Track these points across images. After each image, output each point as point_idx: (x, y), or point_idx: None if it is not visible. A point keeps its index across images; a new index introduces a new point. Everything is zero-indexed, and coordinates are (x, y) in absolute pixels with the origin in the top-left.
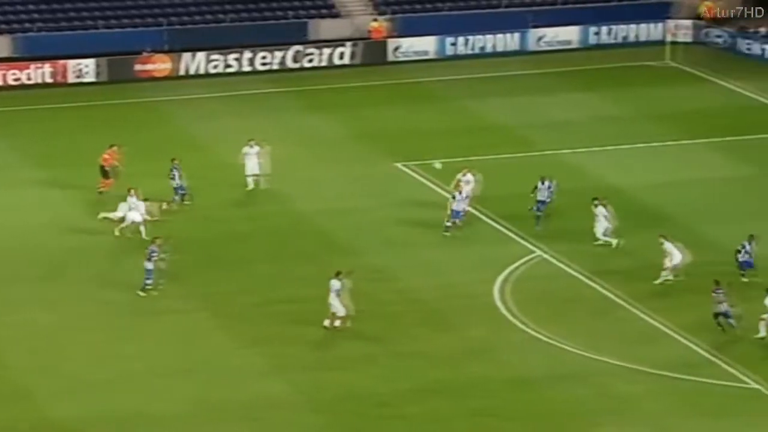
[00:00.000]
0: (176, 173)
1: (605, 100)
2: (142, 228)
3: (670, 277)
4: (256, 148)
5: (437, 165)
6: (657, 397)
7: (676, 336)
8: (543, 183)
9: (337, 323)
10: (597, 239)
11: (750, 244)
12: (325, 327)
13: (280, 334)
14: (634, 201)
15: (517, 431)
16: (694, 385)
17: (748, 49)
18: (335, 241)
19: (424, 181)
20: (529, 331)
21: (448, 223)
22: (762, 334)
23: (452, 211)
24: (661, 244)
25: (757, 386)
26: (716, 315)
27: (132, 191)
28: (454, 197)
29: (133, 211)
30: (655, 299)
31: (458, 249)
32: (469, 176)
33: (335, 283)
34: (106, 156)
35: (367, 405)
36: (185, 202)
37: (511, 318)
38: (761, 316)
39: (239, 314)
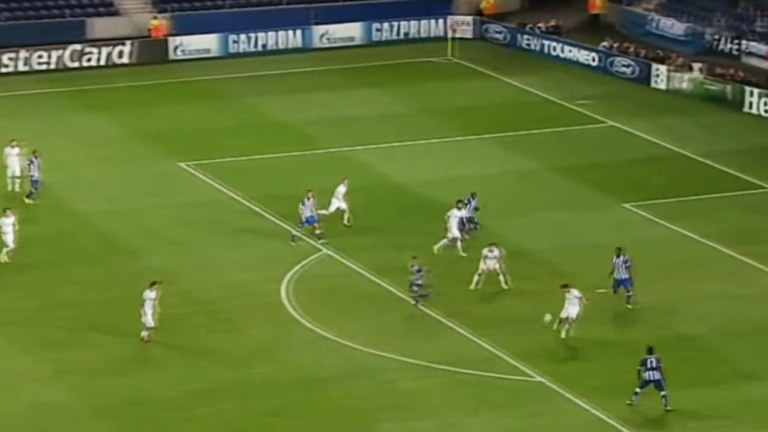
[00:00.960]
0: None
1: (389, 96)
2: None
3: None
4: (17, 149)
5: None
6: (442, 392)
7: (461, 331)
8: (472, 200)
9: (145, 334)
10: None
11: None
12: (142, 339)
13: (63, 339)
14: (417, 197)
15: (304, 430)
16: (479, 380)
17: (528, 44)
18: (118, 243)
19: (208, 180)
20: (316, 329)
21: (297, 231)
22: (563, 335)
23: (305, 218)
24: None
25: (540, 379)
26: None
27: None
28: (303, 203)
29: None
30: (445, 295)
31: (243, 248)
32: (341, 188)
33: (149, 294)
34: None
35: (153, 409)
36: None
37: (297, 317)
38: (563, 315)
39: (20, 319)
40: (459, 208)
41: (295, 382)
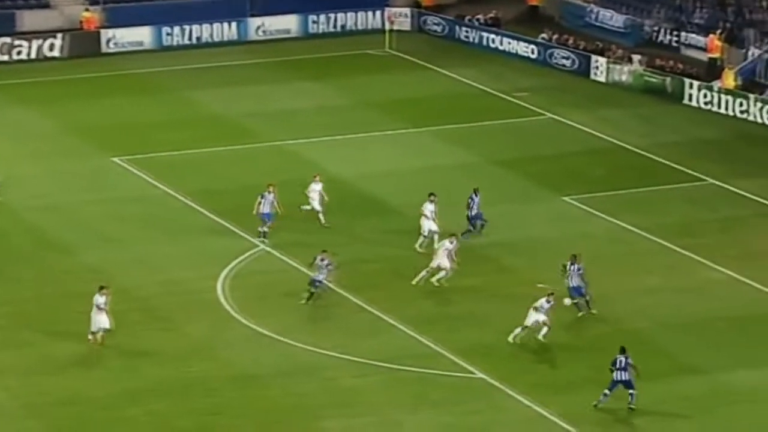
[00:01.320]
0: None
1: (327, 89)
2: None
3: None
4: None
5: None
6: (382, 389)
7: (402, 327)
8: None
9: (94, 337)
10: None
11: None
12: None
13: None
14: (355, 191)
15: (241, 429)
16: (419, 377)
17: (467, 36)
18: (50, 240)
19: (143, 175)
20: (253, 326)
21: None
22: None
23: (261, 214)
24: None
25: (481, 375)
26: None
27: None
28: (262, 196)
29: None
30: (377, 291)
31: (178, 245)
32: (315, 185)
33: (98, 299)
34: None
35: (88, 408)
36: None
37: (234, 314)
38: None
39: None
40: (432, 201)
41: (233, 380)
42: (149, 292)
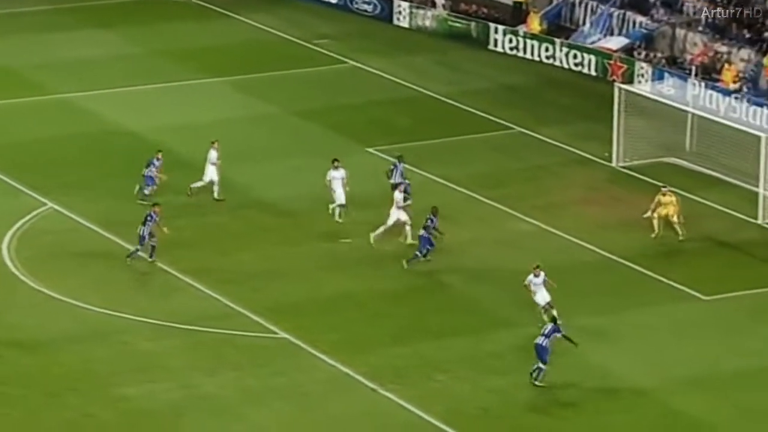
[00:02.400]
0: None
1: (119, 37)
2: None
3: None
4: None
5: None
6: (181, 352)
7: (199, 287)
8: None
9: None
10: None
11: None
12: None
13: None
14: (150, 145)
15: (30, 399)
16: (219, 338)
17: None
18: None
19: None
20: (43, 289)
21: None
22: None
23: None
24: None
25: (285, 335)
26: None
27: None
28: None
29: None
30: (174, 249)
31: None
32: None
33: None
34: None
35: None
36: None
37: (21, 276)
38: None
39: None
40: (336, 168)
41: (20, 346)
42: None
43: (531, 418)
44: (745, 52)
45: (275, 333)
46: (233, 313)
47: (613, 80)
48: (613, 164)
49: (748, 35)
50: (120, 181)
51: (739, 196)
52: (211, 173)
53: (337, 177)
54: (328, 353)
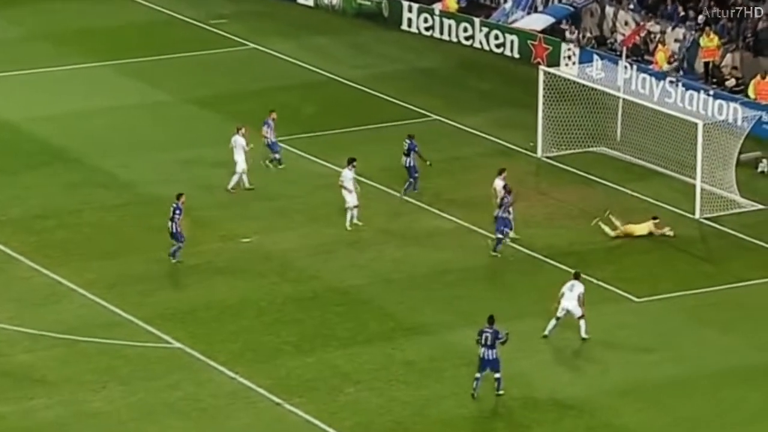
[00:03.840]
0: None
1: None
2: None
3: None
4: None
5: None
6: (64, 365)
7: (83, 293)
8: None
9: None
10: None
11: None
12: None
13: None
14: (27, 136)
15: None
16: (105, 348)
17: None
18: None
19: None
20: None
21: None
22: None
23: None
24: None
25: (179, 345)
26: None
27: None
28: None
29: None
30: (54, 251)
31: None
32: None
33: None
34: None
35: None
36: None
37: None
38: None
39: None
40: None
41: None
42: None
43: None
44: (680, 32)
45: (168, 343)
46: (120, 320)
47: (538, 63)
48: (538, 155)
49: (682, 13)
50: None
51: (675, 188)
52: (241, 162)
53: (349, 177)
54: (227, 364)
